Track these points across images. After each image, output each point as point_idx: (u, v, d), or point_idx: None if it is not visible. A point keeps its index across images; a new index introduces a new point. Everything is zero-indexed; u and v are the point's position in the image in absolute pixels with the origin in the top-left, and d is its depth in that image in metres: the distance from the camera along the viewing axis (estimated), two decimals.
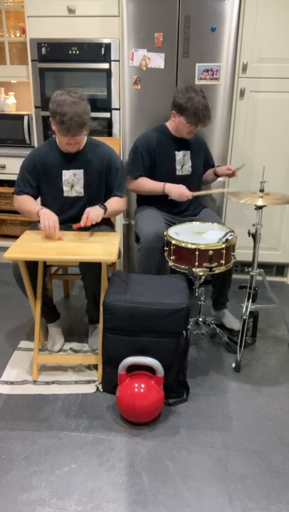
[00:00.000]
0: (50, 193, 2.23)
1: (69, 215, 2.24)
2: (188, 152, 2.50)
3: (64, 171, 2.20)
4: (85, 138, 2.22)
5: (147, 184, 2.47)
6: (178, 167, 2.50)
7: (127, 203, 2.35)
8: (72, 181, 2.21)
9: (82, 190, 2.23)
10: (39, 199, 2.29)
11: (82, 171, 2.21)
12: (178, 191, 2.39)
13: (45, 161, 2.19)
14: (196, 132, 2.45)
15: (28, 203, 2.18)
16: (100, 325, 2.06)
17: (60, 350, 2.35)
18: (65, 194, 2.23)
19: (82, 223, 2.07)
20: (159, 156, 2.46)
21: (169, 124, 2.49)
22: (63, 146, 2.16)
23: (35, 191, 2.23)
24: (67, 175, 2.20)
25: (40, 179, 2.21)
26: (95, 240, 2.07)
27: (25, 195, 2.20)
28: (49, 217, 2.05)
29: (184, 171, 2.51)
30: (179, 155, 2.48)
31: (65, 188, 2.22)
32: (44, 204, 2.24)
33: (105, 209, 2.15)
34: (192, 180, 2.54)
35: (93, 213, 2.08)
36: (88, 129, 2.09)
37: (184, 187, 2.41)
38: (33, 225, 2.29)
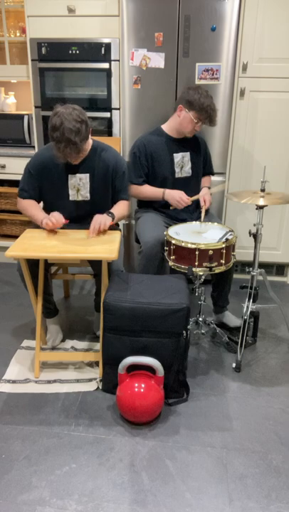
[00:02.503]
0: (56, 196, 2.22)
1: (75, 219, 2.23)
2: (188, 153, 2.48)
3: (70, 175, 2.18)
4: (91, 142, 2.20)
5: (148, 191, 2.47)
6: (177, 169, 2.48)
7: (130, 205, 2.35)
8: (78, 185, 2.20)
9: (88, 195, 2.22)
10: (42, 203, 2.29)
11: (88, 175, 2.19)
12: (176, 198, 2.39)
13: (50, 165, 2.16)
14: (195, 133, 2.45)
15: (32, 208, 2.18)
16: (100, 325, 2.06)
17: (59, 346, 2.37)
18: (71, 198, 2.22)
19: (90, 233, 2.08)
20: (157, 160, 2.45)
21: (168, 125, 2.48)
22: None
23: (38, 195, 2.23)
24: (73, 179, 2.19)
25: (44, 182, 2.19)
26: (96, 237, 2.08)
27: (29, 199, 2.20)
28: (51, 216, 2.07)
29: (184, 173, 2.50)
30: (178, 157, 2.47)
31: (70, 192, 2.21)
32: (49, 208, 2.23)
33: (113, 217, 2.15)
34: (193, 183, 2.53)
35: (102, 223, 2.08)
36: (87, 139, 2.03)
37: (182, 193, 2.40)
38: (35, 224, 2.29)
